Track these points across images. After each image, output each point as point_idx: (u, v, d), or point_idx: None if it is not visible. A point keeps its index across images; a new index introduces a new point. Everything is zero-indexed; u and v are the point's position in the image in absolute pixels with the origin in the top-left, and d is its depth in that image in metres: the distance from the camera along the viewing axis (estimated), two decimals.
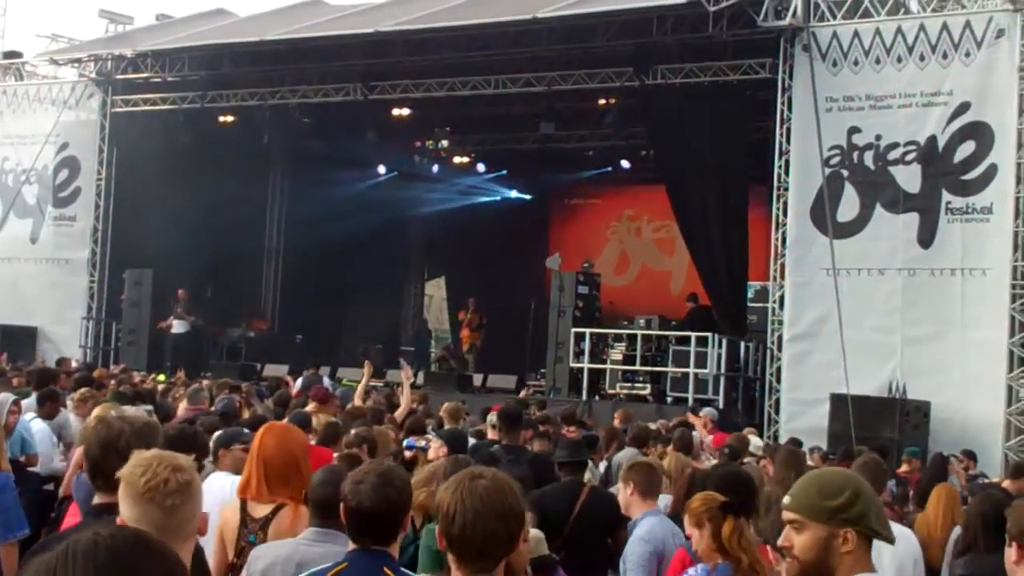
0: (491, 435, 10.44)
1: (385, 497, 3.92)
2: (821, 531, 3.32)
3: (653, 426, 14.62)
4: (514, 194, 32.46)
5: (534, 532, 5.26)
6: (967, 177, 17.97)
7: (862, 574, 3.32)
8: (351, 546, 3.95)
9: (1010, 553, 4.12)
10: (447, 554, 3.25)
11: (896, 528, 6.64)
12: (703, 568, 5.42)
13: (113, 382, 16.12)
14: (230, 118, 26.29)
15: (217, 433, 7.45)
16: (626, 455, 11.15)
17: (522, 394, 21.69)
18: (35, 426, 10.33)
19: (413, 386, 21.97)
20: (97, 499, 3.97)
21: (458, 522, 3.18)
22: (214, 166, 25.47)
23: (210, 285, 26.20)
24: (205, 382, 16.23)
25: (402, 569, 3.93)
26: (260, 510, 5.33)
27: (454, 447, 8.46)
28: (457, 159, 30.17)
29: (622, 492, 6.48)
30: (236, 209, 26.38)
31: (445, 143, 27.88)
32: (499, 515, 3.18)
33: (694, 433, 14.21)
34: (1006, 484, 11.21)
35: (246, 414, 11.82)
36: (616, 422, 14.83)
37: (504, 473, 3.38)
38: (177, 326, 25.04)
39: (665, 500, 7.14)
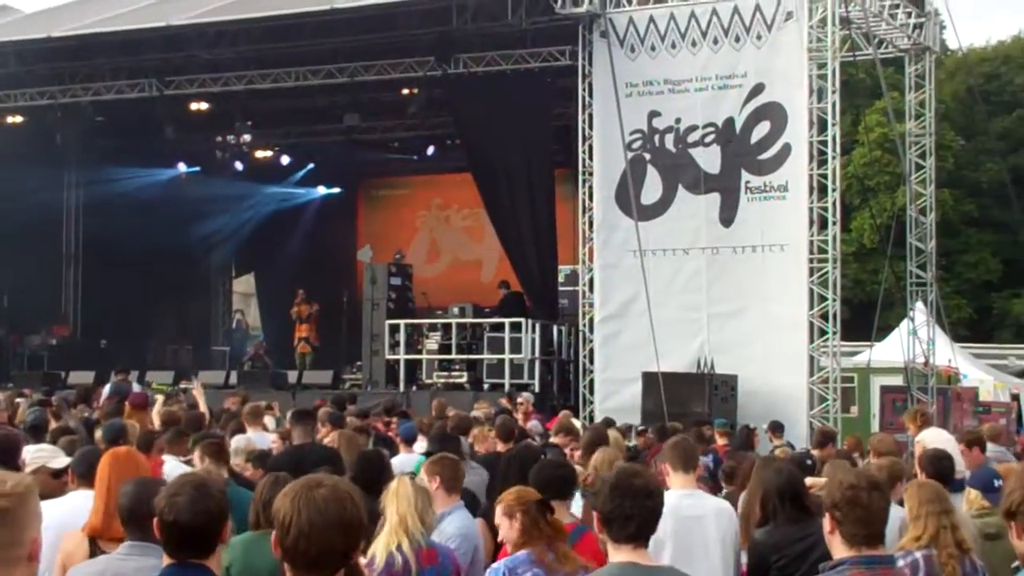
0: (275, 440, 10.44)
1: (204, 510, 3.79)
2: None
3: (475, 413, 14.69)
4: (321, 188, 32.14)
5: None
6: (763, 157, 18.53)
7: None
8: (166, 560, 3.80)
9: (825, 523, 4.23)
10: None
11: (715, 502, 6.82)
12: (514, 558, 5.47)
13: None
14: (19, 119, 25.29)
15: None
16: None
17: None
18: None
19: (228, 386, 21.68)
20: None
21: (293, 532, 3.09)
22: (4, 169, 24.40)
23: (5, 293, 25.07)
24: (1, 395, 15.54)
25: None
26: (113, 547, 4.90)
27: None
28: (260, 153, 29.68)
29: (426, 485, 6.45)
30: (30, 212, 25.35)
31: (248, 137, 27.36)
32: (337, 526, 3.10)
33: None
34: (814, 452, 11.62)
35: (53, 425, 11.37)
36: (433, 412, 14.84)
37: (346, 483, 3.28)
38: None
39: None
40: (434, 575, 5.63)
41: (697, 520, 6.39)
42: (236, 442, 9.68)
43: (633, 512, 4.21)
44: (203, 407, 13.25)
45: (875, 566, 4.09)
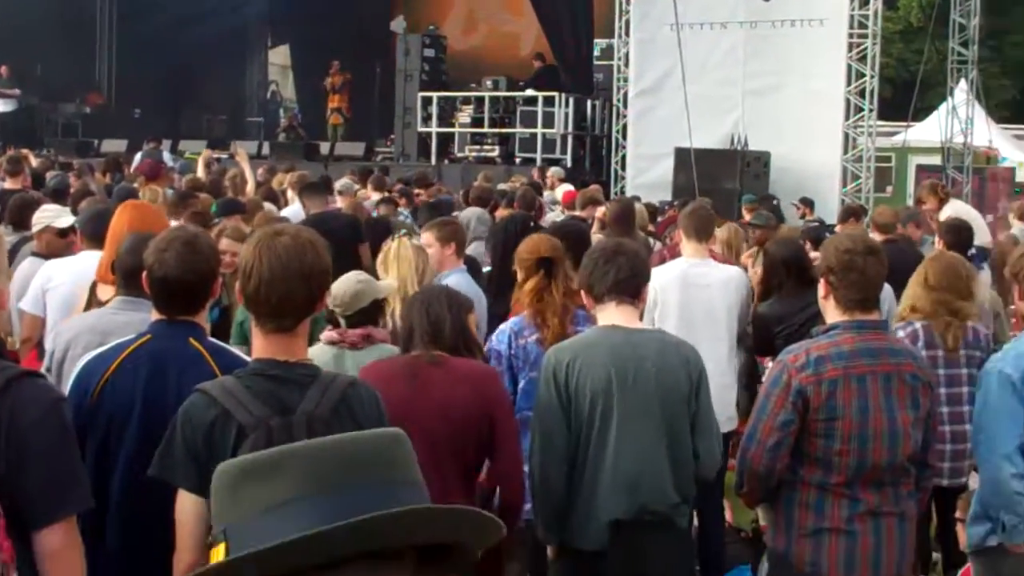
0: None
1: (192, 266, 3.68)
2: None
3: (503, 185, 14.68)
4: None
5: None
6: None
7: None
8: (155, 315, 3.77)
9: (819, 288, 4.21)
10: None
11: (723, 271, 6.77)
12: (513, 321, 5.46)
13: None
14: None
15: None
16: (472, 214, 11.14)
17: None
18: None
19: (260, 157, 21.66)
20: None
21: (254, 280, 3.08)
22: None
23: (38, 60, 24.88)
24: (35, 160, 15.57)
25: (210, 339, 3.76)
26: (107, 292, 4.89)
27: None
28: None
29: (437, 249, 6.43)
30: None
31: None
32: (297, 274, 3.07)
33: (545, 193, 14.38)
34: (838, 228, 11.58)
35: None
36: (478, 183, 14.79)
37: (310, 232, 3.24)
38: (1, 104, 23.89)
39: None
40: None
41: (703, 289, 6.39)
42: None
43: (608, 268, 4.27)
44: (248, 172, 13.21)
45: (866, 331, 4.08)
